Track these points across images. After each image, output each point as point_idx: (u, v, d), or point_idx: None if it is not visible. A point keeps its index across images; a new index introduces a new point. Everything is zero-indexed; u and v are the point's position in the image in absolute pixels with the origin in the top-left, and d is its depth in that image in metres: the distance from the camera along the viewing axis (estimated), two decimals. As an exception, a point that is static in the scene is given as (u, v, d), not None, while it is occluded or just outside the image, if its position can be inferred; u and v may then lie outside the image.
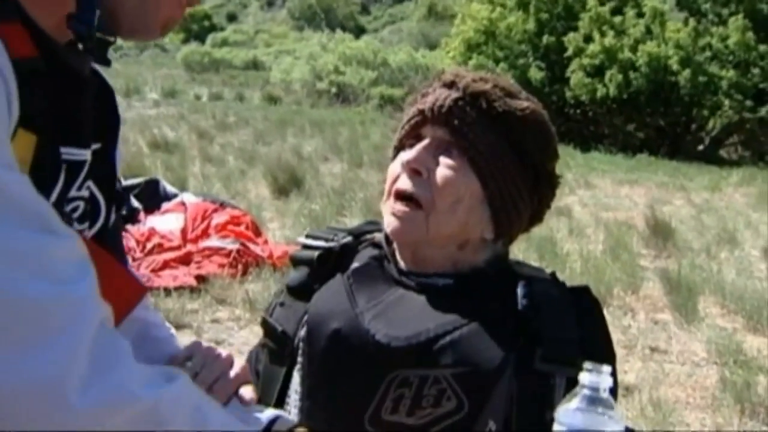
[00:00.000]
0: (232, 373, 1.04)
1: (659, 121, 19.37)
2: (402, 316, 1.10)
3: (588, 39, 18.73)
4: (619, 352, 4.35)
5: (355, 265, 1.19)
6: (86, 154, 0.84)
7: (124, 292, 0.80)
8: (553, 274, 1.19)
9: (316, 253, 1.22)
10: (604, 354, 1.07)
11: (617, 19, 18.84)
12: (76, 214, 0.85)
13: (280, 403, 1.17)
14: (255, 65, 34.32)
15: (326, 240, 1.24)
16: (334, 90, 24.58)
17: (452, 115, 1.12)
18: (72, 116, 0.81)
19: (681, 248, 7.13)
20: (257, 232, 6.22)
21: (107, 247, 0.86)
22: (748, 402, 3.70)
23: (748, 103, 17.35)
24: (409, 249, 1.16)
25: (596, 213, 8.85)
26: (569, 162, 14.01)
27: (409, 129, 1.17)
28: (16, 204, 0.68)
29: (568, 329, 1.08)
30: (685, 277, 5.70)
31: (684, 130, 19.42)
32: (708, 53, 17.90)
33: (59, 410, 0.66)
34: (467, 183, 1.12)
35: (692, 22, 18.17)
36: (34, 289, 0.65)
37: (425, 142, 1.14)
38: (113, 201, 0.93)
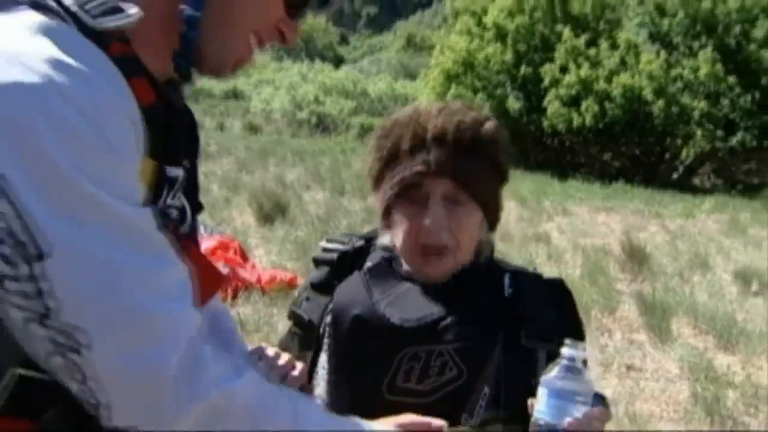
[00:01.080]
0: (294, 373, 1.24)
1: (634, 150, 19.78)
2: (411, 304, 1.34)
3: (564, 70, 19.13)
4: (596, 369, 4.55)
5: (368, 264, 1.42)
6: (180, 171, 1.01)
7: (209, 278, 0.98)
8: (533, 270, 1.44)
9: (335, 255, 1.45)
10: (576, 333, 1.30)
11: (592, 50, 19.28)
12: (173, 217, 1.02)
13: (309, 380, 1.37)
14: (235, 95, 34.52)
15: (343, 244, 1.47)
16: (314, 119, 24.81)
17: (455, 167, 1.33)
18: (173, 141, 0.98)
19: (655, 272, 7.36)
20: (245, 258, 6.37)
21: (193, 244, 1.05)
22: (717, 415, 3.90)
23: (719, 132, 17.80)
24: (435, 277, 1.37)
25: (574, 239, 9.08)
26: (547, 190, 14.31)
27: (411, 184, 1.35)
28: (143, 235, 0.85)
29: (547, 313, 1.33)
30: (659, 299, 5.93)
31: (658, 158, 19.82)
32: (680, 84, 18.35)
33: (160, 399, 0.83)
34: (476, 216, 1.36)
35: (664, 54, 18.64)
36: (150, 303, 0.82)
37: (436, 199, 1.33)
38: (196, 208, 1.10)
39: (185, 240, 1.00)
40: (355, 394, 1.32)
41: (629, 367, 4.73)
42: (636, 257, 7.62)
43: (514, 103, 19.64)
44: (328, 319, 1.39)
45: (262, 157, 15.49)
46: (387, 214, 1.40)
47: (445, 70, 20.67)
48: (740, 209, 13.30)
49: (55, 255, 0.78)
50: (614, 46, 19.36)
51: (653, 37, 20.11)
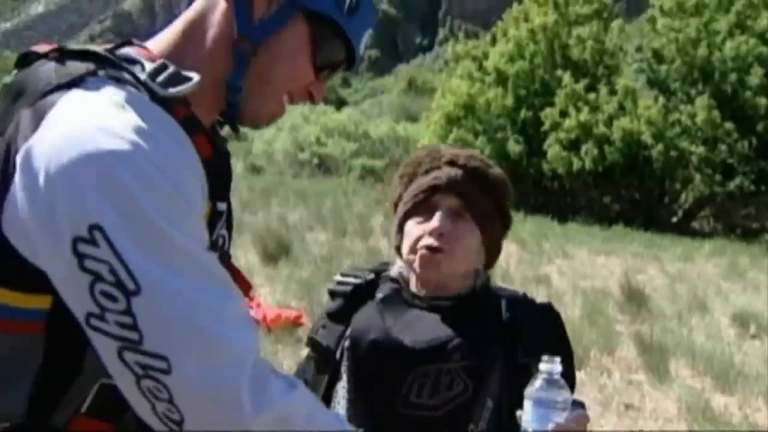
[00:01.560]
0: None
1: (634, 193, 19.96)
2: (420, 328, 1.51)
3: (564, 114, 19.39)
4: (596, 408, 4.63)
5: (380, 294, 1.59)
6: (225, 205, 1.17)
7: (242, 286, 1.14)
8: (524, 295, 1.62)
9: (350, 288, 1.62)
10: (565, 350, 1.49)
11: (591, 95, 19.56)
12: (220, 245, 1.19)
13: (326, 401, 1.53)
14: (237, 136, 34.81)
15: (356, 278, 1.64)
16: (315, 161, 24.98)
17: (461, 187, 1.53)
18: (222, 181, 1.15)
19: (654, 314, 7.46)
20: (250, 297, 6.46)
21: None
22: (715, 454, 3.99)
23: (718, 177, 17.99)
24: (432, 281, 1.55)
25: (574, 281, 9.18)
26: (547, 233, 14.44)
27: (423, 197, 1.56)
28: (213, 274, 1.00)
29: (539, 332, 1.51)
30: (657, 340, 6.03)
31: (657, 202, 19.99)
32: (678, 129, 18.60)
33: (235, 411, 0.96)
34: (474, 235, 1.54)
35: (662, 99, 18.92)
36: (222, 331, 0.96)
37: (442, 210, 1.53)
38: (231, 233, 1.26)
39: (226, 261, 1.16)
40: (372, 409, 1.47)
41: (628, 407, 4.81)
42: (635, 299, 7.73)
43: (514, 147, 19.87)
44: (347, 344, 1.55)
45: (264, 198, 15.65)
46: (401, 229, 1.59)
47: (446, 114, 20.95)
48: (739, 253, 13.42)
49: (144, 292, 0.93)
50: (613, 91, 19.65)
51: (651, 83, 20.43)
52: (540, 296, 8.13)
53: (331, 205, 15.09)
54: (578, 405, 1.36)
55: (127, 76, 1.04)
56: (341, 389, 1.54)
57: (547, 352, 1.43)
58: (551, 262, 10.76)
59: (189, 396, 0.95)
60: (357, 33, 1.19)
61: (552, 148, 19.22)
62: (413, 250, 1.53)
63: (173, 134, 1.02)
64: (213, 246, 1.12)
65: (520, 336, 1.49)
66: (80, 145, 0.93)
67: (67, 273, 0.94)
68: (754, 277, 10.54)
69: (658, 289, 8.98)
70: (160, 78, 1.05)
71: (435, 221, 1.51)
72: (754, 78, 18.22)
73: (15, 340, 1.01)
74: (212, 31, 1.14)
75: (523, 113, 20.24)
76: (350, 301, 1.60)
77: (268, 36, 1.13)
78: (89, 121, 0.95)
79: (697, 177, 18.13)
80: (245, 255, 9.27)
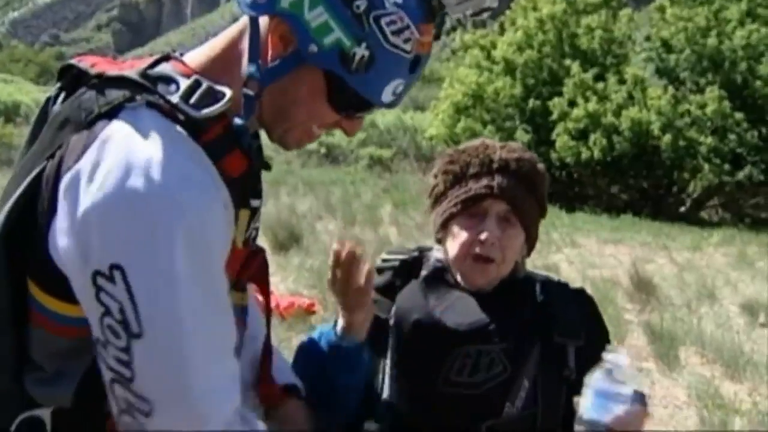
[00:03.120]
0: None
1: (642, 183, 19.92)
2: (462, 310, 1.57)
3: (572, 104, 19.34)
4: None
5: (424, 272, 1.65)
6: (260, 201, 1.22)
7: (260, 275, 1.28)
8: (558, 279, 1.69)
9: (397, 262, 1.68)
10: (600, 331, 1.58)
11: (600, 85, 19.50)
12: (255, 236, 1.25)
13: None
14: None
15: (402, 254, 1.71)
16: (323, 150, 24.99)
17: (512, 194, 1.58)
18: (256, 183, 1.20)
19: (663, 303, 7.49)
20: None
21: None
22: (724, 439, 4.03)
23: (727, 167, 17.93)
24: (480, 284, 1.61)
25: (582, 270, 9.20)
26: (555, 222, 14.43)
27: (473, 203, 1.60)
28: (218, 334, 1.06)
29: (573, 314, 1.58)
30: (667, 329, 6.06)
31: (666, 192, 19.95)
32: (687, 119, 18.53)
33: None
34: (521, 238, 1.61)
35: (671, 89, 18.85)
36: (204, 395, 1.03)
37: (493, 216, 1.58)
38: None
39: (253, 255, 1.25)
40: (414, 386, 1.54)
41: (638, 394, 4.85)
42: (644, 288, 7.76)
43: (522, 136, 19.83)
44: (392, 321, 1.61)
45: (273, 187, 15.66)
46: (444, 227, 1.63)
47: (454, 103, 20.90)
48: (748, 243, 13.41)
49: (145, 338, 0.99)
50: (621, 81, 19.58)
51: (660, 72, 20.34)
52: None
53: (340, 195, 15.12)
54: (639, 396, 1.38)
55: (160, 101, 1.07)
56: (386, 367, 1.60)
57: (581, 333, 1.53)
58: (560, 251, 10.79)
59: None
60: (373, 87, 1.14)
61: (560, 138, 19.19)
62: (463, 255, 1.59)
63: (202, 171, 1.06)
64: (246, 241, 1.18)
65: (554, 318, 1.56)
66: (117, 186, 0.99)
67: (87, 299, 1.01)
68: (763, 266, 10.54)
69: (666, 278, 9.00)
70: (194, 98, 1.08)
71: (486, 230, 1.56)
72: (765, 67, 18.14)
73: (68, 342, 1.08)
74: (243, 57, 1.15)
75: (532, 103, 20.19)
76: (397, 275, 1.67)
77: (274, 80, 1.13)
78: (126, 162, 1.00)
79: (706, 167, 18.07)
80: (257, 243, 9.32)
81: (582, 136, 19.02)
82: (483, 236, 1.55)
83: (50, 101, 1.19)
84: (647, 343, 5.88)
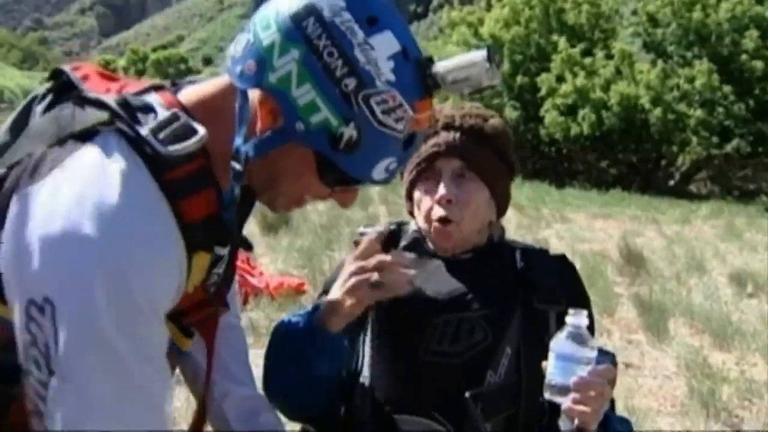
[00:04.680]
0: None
1: (631, 157, 19.99)
2: (441, 278, 1.55)
3: (560, 79, 19.35)
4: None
5: (403, 243, 1.63)
6: (226, 250, 1.17)
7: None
8: (539, 247, 1.67)
9: (375, 234, 1.62)
10: (580, 298, 1.55)
11: (587, 60, 19.50)
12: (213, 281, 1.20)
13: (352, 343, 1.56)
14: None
15: (379, 227, 1.65)
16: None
17: (461, 148, 1.55)
18: (226, 231, 1.14)
19: (653, 275, 7.53)
20: (252, 266, 6.53)
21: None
22: (713, 407, 4.05)
23: (715, 140, 18.02)
24: (448, 248, 1.60)
25: (572, 245, 9.23)
26: (545, 198, 14.49)
27: (426, 165, 1.57)
28: (141, 399, 1.01)
29: (553, 280, 1.56)
30: (656, 300, 6.10)
31: (655, 166, 20.03)
32: (676, 93, 18.58)
33: None
34: (482, 195, 1.57)
35: (660, 63, 18.87)
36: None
37: (446, 175, 1.55)
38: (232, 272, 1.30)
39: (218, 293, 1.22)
40: (396, 357, 1.52)
41: (628, 365, 4.88)
42: (633, 261, 7.80)
43: (511, 113, 19.85)
44: None
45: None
46: (410, 197, 1.62)
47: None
48: (736, 214, 13.49)
49: (57, 378, 0.96)
50: (609, 55, 19.58)
51: (647, 47, 20.36)
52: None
53: (330, 175, 15.07)
54: (607, 356, 1.38)
55: (129, 131, 1.04)
56: (367, 335, 1.58)
57: (562, 299, 1.51)
58: (550, 227, 10.83)
59: None
60: (362, 167, 1.08)
61: (549, 114, 19.21)
62: (427, 220, 1.57)
63: (152, 221, 1.02)
64: (205, 288, 1.16)
65: (534, 284, 1.54)
66: (67, 223, 0.96)
67: (19, 323, 0.99)
68: (751, 237, 10.62)
69: (656, 251, 9.05)
70: (163, 133, 1.04)
71: (441, 189, 1.54)
72: (749, 42, 18.18)
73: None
74: (233, 117, 1.10)
75: (520, 79, 20.20)
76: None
77: (262, 154, 1.08)
78: (80, 201, 0.98)
79: (695, 140, 18.15)
80: (246, 225, 9.30)
81: (570, 111, 19.04)
82: (437, 195, 1.54)
83: (36, 100, 1.16)
84: (637, 315, 5.91)
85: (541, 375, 1.34)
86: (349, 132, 1.04)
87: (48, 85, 1.16)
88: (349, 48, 1.02)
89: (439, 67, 1.08)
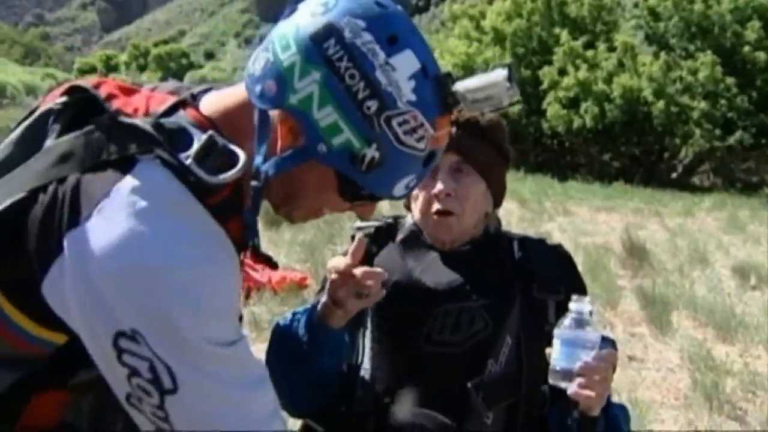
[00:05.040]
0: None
1: (634, 150, 19.96)
2: (440, 269, 1.56)
3: (562, 72, 19.31)
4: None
5: (401, 236, 1.64)
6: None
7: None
8: (537, 237, 1.68)
9: (372, 230, 1.66)
10: (578, 285, 1.56)
11: (590, 53, 19.45)
12: None
13: (352, 336, 1.58)
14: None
15: (377, 221, 1.68)
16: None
17: (458, 142, 1.54)
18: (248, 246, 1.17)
19: (656, 268, 7.52)
20: (255, 260, 6.53)
21: None
22: (716, 400, 4.05)
23: (718, 132, 17.98)
24: (447, 241, 1.60)
25: (575, 238, 9.23)
26: (548, 191, 14.48)
27: None
28: (247, 370, 1.05)
29: (552, 269, 1.57)
30: (659, 293, 6.08)
31: (658, 158, 20.00)
32: (679, 85, 18.53)
33: None
34: (479, 187, 1.58)
35: (663, 56, 18.82)
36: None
37: (444, 169, 1.56)
38: None
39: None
40: (396, 348, 1.53)
41: (631, 358, 4.87)
42: (636, 254, 7.79)
43: (513, 106, 19.79)
44: None
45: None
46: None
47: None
48: (739, 207, 13.47)
49: (180, 392, 0.98)
50: (612, 48, 19.53)
51: (649, 39, 20.30)
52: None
53: (332, 169, 15.07)
54: (608, 342, 1.40)
55: (173, 161, 1.04)
56: (366, 330, 1.59)
57: (560, 287, 1.52)
58: (552, 220, 10.82)
59: None
60: (383, 185, 1.09)
61: (551, 107, 19.18)
62: (424, 213, 1.58)
63: (214, 240, 1.04)
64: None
65: (533, 274, 1.56)
66: (133, 254, 0.97)
67: (107, 360, 0.99)
68: (754, 229, 10.61)
69: (659, 243, 9.04)
70: (209, 161, 1.04)
71: (439, 183, 1.54)
72: (752, 33, 18.12)
73: (20, 353, 1.07)
74: (254, 131, 1.11)
75: (522, 72, 20.15)
76: (373, 241, 1.64)
77: (282, 172, 1.09)
78: (143, 229, 0.99)
79: (697, 132, 18.11)
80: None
81: (573, 104, 19.01)
82: (436, 190, 1.54)
83: (50, 115, 1.14)
84: (640, 308, 5.91)
85: (541, 363, 1.36)
86: (372, 153, 1.05)
87: (64, 99, 1.15)
88: (370, 70, 1.02)
89: (460, 87, 1.08)
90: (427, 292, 1.53)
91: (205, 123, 1.10)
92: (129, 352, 0.97)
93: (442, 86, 1.07)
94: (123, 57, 76.60)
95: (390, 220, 1.69)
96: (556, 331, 1.33)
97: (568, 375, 1.31)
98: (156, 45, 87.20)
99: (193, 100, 1.14)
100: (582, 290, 1.54)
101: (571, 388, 1.31)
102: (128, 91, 1.16)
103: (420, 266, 1.57)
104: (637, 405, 3.97)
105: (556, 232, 9.70)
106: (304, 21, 1.04)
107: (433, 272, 1.56)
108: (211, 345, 0.99)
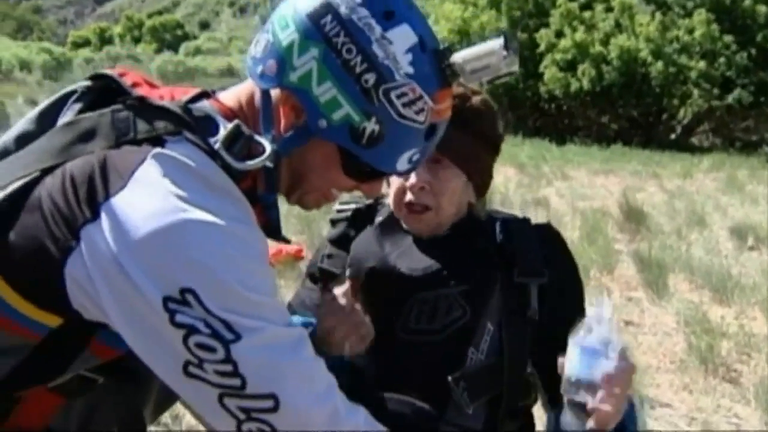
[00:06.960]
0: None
1: (632, 112, 19.85)
2: (417, 255, 1.51)
3: (559, 34, 19.15)
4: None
5: (379, 218, 1.59)
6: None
7: None
8: (522, 217, 1.59)
9: (350, 212, 1.61)
10: (565, 267, 1.51)
11: (587, 14, 19.26)
12: None
13: None
14: (230, 72, 34.52)
15: (356, 203, 1.64)
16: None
17: None
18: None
19: (653, 231, 7.51)
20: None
21: None
22: (711, 363, 4.06)
23: (716, 91, 17.86)
24: (423, 232, 1.54)
25: (573, 202, 9.21)
26: (545, 155, 14.43)
27: None
28: (286, 315, 1.08)
29: (534, 251, 1.49)
30: (656, 257, 6.07)
31: (656, 119, 19.90)
32: (676, 45, 18.37)
33: (333, 421, 1.05)
34: (458, 180, 1.49)
35: (659, 15, 18.64)
36: (313, 360, 1.07)
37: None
38: None
39: None
40: (374, 336, 1.46)
41: (628, 323, 4.88)
42: (634, 217, 7.77)
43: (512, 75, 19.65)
44: (347, 272, 1.54)
45: (261, 134, 15.58)
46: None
47: (440, 40, 20.66)
48: (738, 166, 13.44)
49: (244, 338, 0.98)
50: (609, 9, 19.34)
51: (647, -2, 20.09)
52: (539, 219, 8.02)
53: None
54: (623, 349, 1.29)
55: (202, 144, 1.06)
56: None
57: (544, 270, 1.46)
58: (550, 185, 10.79)
59: (294, 424, 1.02)
60: (386, 159, 1.11)
61: (548, 70, 19.04)
62: (397, 203, 1.51)
63: (248, 214, 1.06)
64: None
65: (514, 257, 1.48)
66: (177, 213, 0.97)
67: (155, 329, 0.98)
68: (752, 189, 10.59)
69: (656, 206, 9.03)
70: (236, 148, 1.06)
71: (413, 175, 1.46)
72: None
73: (8, 338, 1.06)
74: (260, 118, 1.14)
75: (518, 35, 19.95)
76: (351, 225, 1.61)
77: (289, 151, 1.11)
78: (182, 192, 0.99)
79: (696, 92, 18.00)
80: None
81: (570, 67, 18.87)
82: (409, 182, 1.47)
83: (71, 96, 1.16)
84: (636, 272, 5.91)
85: (524, 350, 1.32)
86: (372, 126, 1.07)
87: (88, 83, 1.16)
88: (367, 44, 1.04)
89: (457, 57, 1.09)
90: (403, 279, 1.47)
91: (229, 113, 1.12)
92: (181, 312, 0.96)
93: (440, 59, 1.09)
94: (117, 29, 75.94)
95: (370, 202, 1.62)
96: (574, 338, 1.22)
97: (586, 386, 1.20)
98: (150, 16, 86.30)
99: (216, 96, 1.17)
100: (571, 271, 1.50)
101: (593, 402, 1.21)
102: (151, 84, 1.19)
103: (396, 251, 1.51)
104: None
105: (553, 196, 9.68)
106: (302, 1, 1.07)
107: (409, 258, 1.50)
108: (258, 294, 1.00)
